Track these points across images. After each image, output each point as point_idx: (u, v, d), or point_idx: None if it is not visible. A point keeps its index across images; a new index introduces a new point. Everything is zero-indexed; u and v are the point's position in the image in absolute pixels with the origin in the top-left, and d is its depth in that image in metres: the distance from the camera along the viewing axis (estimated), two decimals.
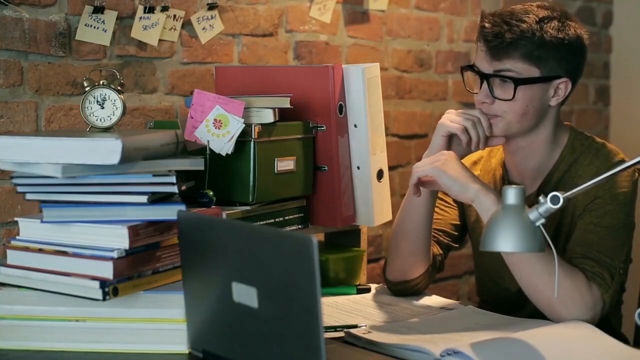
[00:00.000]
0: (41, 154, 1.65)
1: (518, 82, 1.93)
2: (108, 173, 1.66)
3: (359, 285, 2.14)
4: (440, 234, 2.14)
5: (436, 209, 2.13)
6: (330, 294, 2.06)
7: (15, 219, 1.76)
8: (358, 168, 2.12)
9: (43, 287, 1.67)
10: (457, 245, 2.21)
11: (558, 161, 2.04)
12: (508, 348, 1.60)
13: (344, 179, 2.11)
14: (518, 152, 2.05)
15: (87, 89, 1.84)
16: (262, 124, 1.98)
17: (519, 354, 1.58)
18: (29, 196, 1.69)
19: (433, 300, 2.03)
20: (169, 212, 1.66)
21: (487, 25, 1.96)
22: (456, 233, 2.18)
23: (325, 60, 2.67)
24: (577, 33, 1.99)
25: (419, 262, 2.05)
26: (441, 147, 1.99)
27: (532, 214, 1.63)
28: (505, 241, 1.63)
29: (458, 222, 2.19)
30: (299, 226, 2.10)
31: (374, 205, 2.13)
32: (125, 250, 1.63)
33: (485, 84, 1.96)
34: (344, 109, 2.10)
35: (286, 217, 2.07)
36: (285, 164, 2.03)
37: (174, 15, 2.31)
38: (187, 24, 2.35)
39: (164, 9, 2.28)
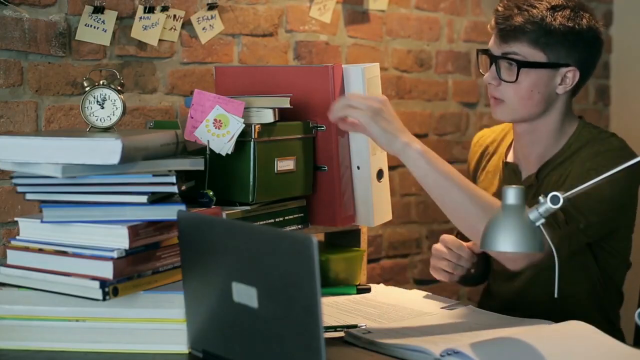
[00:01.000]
0: (41, 154, 1.65)
1: (521, 64, 1.98)
2: (108, 173, 1.66)
3: (359, 285, 2.14)
4: None
5: None
6: (330, 294, 2.05)
7: (15, 219, 1.76)
8: (358, 168, 2.12)
9: (43, 287, 1.67)
10: None
11: (563, 148, 2.07)
12: (508, 348, 1.60)
13: (344, 179, 2.11)
14: (524, 136, 2.09)
15: (87, 89, 1.84)
16: (262, 124, 1.98)
17: (519, 354, 1.58)
18: (29, 196, 1.69)
19: (433, 300, 2.03)
20: (169, 212, 1.66)
21: (500, 8, 2.03)
22: None
23: (325, 60, 2.67)
24: (590, 24, 2.02)
25: None
26: None
27: (532, 214, 1.63)
28: (505, 241, 1.63)
29: None
30: (299, 226, 2.10)
31: (374, 205, 2.13)
32: (125, 250, 1.63)
33: (493, 66, 2.02)
34: None
35: (286, 217, 2.07)
36: (285, 164, 2.03)
37: (174, 15, 2.31)
38: (187, 24, 2.35)
39: (164, 9, 2.28)
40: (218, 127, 1.92)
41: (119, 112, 1.83)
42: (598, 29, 2.04)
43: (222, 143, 1.92)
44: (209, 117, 1.92)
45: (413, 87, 2.95)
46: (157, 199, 1.68)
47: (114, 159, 1.64)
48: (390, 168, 2.34)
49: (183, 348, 1.61)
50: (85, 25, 2.16)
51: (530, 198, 1.84)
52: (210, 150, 1.92)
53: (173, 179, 1.68)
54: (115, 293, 1.61)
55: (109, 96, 1.84)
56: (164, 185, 1.68)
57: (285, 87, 2.12)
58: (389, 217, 2.21)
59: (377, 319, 1.86)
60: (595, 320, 1.93)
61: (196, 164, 1.82)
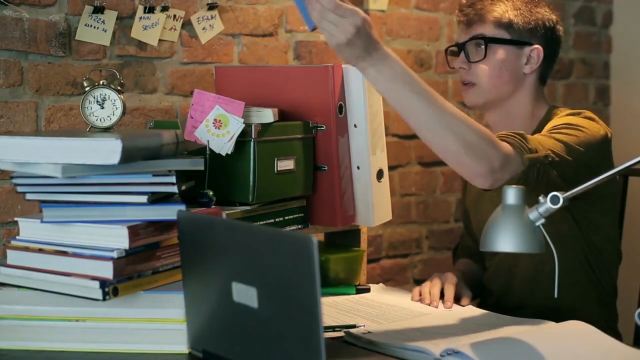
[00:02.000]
0: (41, 154, 1.65)
1: (488, 40, 2.11)
2: (108, 173, 1.66)
3: (359, 285, 2.14)
4: None
5: None
6: (330, 294, 2.05)
7: (15, 219, 1.76)
8: (358, 168, 2.12)
9: (43, 287, 1.67)
10: None
11: (536, 129, 2.12)
12: (508, 348, 1.60)
13: (344, 179, 2.11)
14: (498, 123, 2.18)
15: (87, 89, 1.84)
16: (262, 124, 1.98)
17: (519, 354, 1.58)
18: (29, 196, 1.69)
19: None
20: (169, 212, 1.66)
21: (463, 1, 2.19)
22: None
23: (325, 60, 2.67)
24: (547, 12, 2.18)
25: None
26: None
27: (532, 214, 1.63)
28: (505, 241, 1.63)
29: None
30: (299, 226, 2.10)
31: (374, 205, 2.13)
32: (125, 250, 1.63)
33: (462, 53, 2.15)
34: (343, 109, 2.10)
35: (286, 217, 2.07)
36: (285, 164, 2.03)
37: (174, 15, 2.31)
38: (187, 24, 2.35)
39: (164, 9, 2.28)
40: (218, 127, 1.92)
41: (119, 112, 1.83)
42: (553, 16, 2.19)
43: (222, 143, 1.92)
44: (209, 117, 1.92)
45: None
46: (157, 199, 1.68)
47: (114, 159, 1.64)
48: (390, 168, 2.34)
49: (183, 348, 1.61)
50: (85, 25, 2.16)
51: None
52: (210, 150, 1.92)
53: (173, 179, 1.68)
54: (115, 293, 1.61)
55: (109, 96, 1.84)
56: (164, 185, 1.68)
57: (285, 87, 2.12)
58: (388, 217, 2.21)
59: (377, 319, 1.86)
60: (592, 315, 1.94)
61: (196, 164, 1.82)
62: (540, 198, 1.64)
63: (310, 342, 1.33)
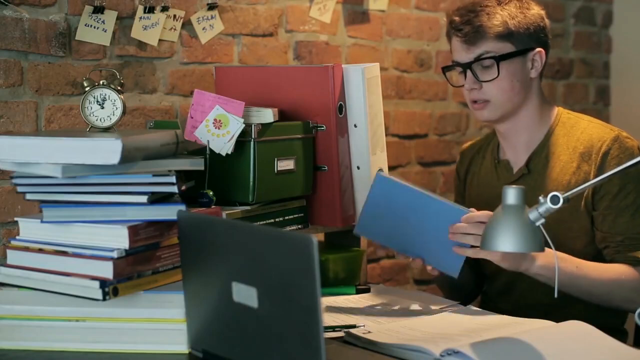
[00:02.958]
0: (41, 154, 1.65)
1: (499, 59, 2.06)
2: (108, 173, 1.66)
3: (359, 285, 2.14)
4: None
5: None
6: (329, 294, 2.05)
7: (15, 219, 1.76)
8: (358, 168, 2.12)
9: (43, 287, 1.67)
10: None
11: (547, 135, 2.14)
12: (508, 348, 1.60)
13: (344, 179, 2.11)
14: (509, 130, 2.16)
15: (87, 89, 1.84)
16: (262, 124, 1.98)
17: (519, 354, 1.58)
18: (29, 196, 1.69)
19: (433, 300, 2.03)
20: (169, 212, 1.66)
21: (456, 18, 2.11)
22: None
23: (325, 60, 2.67)
24: (537, 8, 2.14)
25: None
26: None
27: (532, 214, 1.63)
28: (505, 241, 1.63)
29: None
30: (299, 226, 2.10)
31: None
32: (125, 250, 1.63)
33: (469, 73, 2.09)
34: (344, 109, 2.10)
35: (286, 217, 2.07)
36: (285, 164, 2.03)
37: (174, 15, 2.31)
38: (187, 24, 2.35)
39: (164, 9, 2.28)
40: (218, 127, 1.92)
41: (119, 112, 1.83)
42: (541, 11, 2.15)
43: (222, 143, 1.92)
44: (209, 117, 1.92)
45: (413, 87, 2.95)
46: (157, 199, 1.68)
47: (114, 159, 1.64)
48: (390, 168, 2.34)
49: (183, 348, 1.61)
50: (85, 25, 2.16)
51: (526, 190, 1.84)
52: (210, 150, 1.92)
53: (173, 179, 1.68)
54: (115, 293, 1.61)
55: (109, 96, 1.84)
56: (164, 185, 1.68)
57: (285, 87, 2.12)
58: None
59: (377, 319, 1.86)
60: (601, 315, 1.95)
61: (196, 164, 1.82)
62: (541, 198, 1.64)
63: (310, 342, 1.33)
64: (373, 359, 1.63)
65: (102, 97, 1.84)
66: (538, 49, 2.11)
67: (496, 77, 2.06)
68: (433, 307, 1.96)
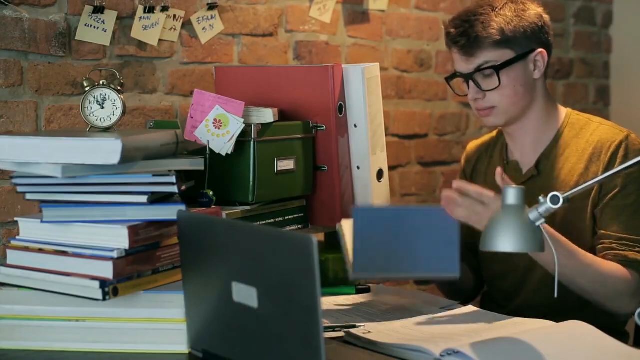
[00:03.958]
0: (41, 154, 1.65)
1: (498, 68, 2.05)
2: (108, 173, 1.66)
3: (359, 285, 2.14)
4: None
5: None
6: (330, 294, 2.05)
7: (15, 219, 1.76)
8: (358, 168, 2.12)
9: (43, 287, 1.67)
10: None
11: (557, 136, 2.13)
12: (508, 348, 1.60)
13: (344, 179, 2.11)
14: (516, 130, 2.15)
15: (87, 89, 1.84)
16: (262, 124, 1.98)
17: (519, 354, 1.58)
18: (29, 196, 1.69)
19: (433, 300, 2.03)
20: (169, 212, 1.66)
21: (452, 30, 2.09)
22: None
23: (325, 60, 2.67)
24: (533, 8, 2.11)
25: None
26: None
27: (532, 214, 1.63)
28: (505, 241, 1.63)
29: None
30: (299, 226, 2.10)
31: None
32: (125, 250, 1.63)
33: (471, 83, 2.08)
34: (344, 109, 2.10)
35: (286, 217, 2.07)
36: (285, 164, 2.03)
37: (174, 15, 2.31)
38: (187, 24, 2.35)
39: (164, 9, 2.28)
40: (218, 127, 1.92)
41: (119, 112, 1.83)
42: (540, 10, 2.12)
43: (222, 143, 1.92)
44: (209, 117, 1.92)
45: (413, 87, 2.95)
46: (157, 199, 1.68)
47: (114, 159, 1.64)
48: (390, 168, 2.34)
49: (183, 348, 1.61)
50: (85, 25, 2.16)
51: (535, 191, 1.84)
52: (210, 150, 1.92)
53: (173, 179, 1.68)
54: (115, 293, 1.61)
55: (109, 96, 1.84)
56: (164, 185, 1.68)
57: (285, 87, 2.12)
58: None
59: (377, 319, 1.86)
60: (603, 315, 1.95)
61: (196, 164, 1.82)
62: (541, 198, 1.64)
63: (310, 342, 1.33)
64: (373, 359, 1.63)
65: (102, 97, 1.84)
66: (539, 50, 2.09)
67: (498, 86, 2.05)
68: (433, 307, 1.96)
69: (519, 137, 2.16)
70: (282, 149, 2.03)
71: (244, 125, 1.91)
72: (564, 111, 2.18)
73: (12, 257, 1.71)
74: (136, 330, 1.63)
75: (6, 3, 2.05)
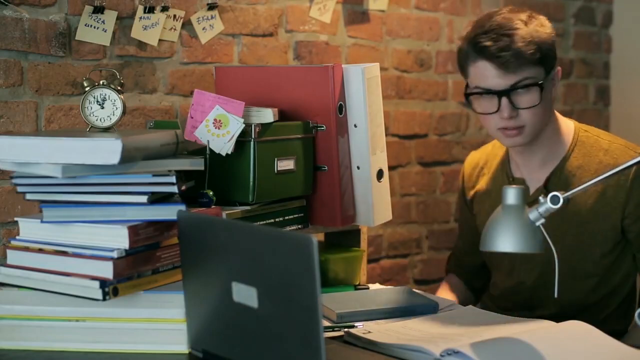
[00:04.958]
0: (41, 154, 1.65)
1: (542, 86, 1.97)
2: (108, 173, 1.66)
3: (358, 285, 2.14)
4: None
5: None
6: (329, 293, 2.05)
7: (15, 219, 1.76)
8: (358, 168, 2.12)
9: (43, 287, 1.67)
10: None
11: (567, 155, 2.08)
12: (508, 348, 1.60)
13: (344, 179, 2.11)
14: (527, 149, 2.09)
15: (87, 89, 1.84)
16: (262, 124, 1.98)
17: (519, 354, 1.58)
18: (29, 196, 1.69)
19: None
20: (169, 212, 1.66)
21: (487, 43, 1.96)
22: None
23: (325, 60, 2.67)
24: (547, 21, 2.04)
25: None
26: None
27: (532, 214, 1.63)
28: (505, 241, 1.63)
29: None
30: (299, 226, 2.10)
31: (374, 205, 2.13)
32: (125, 250, 1.63)
33: (504, 100, 1.97)
34: (344, 109, 2.10)
35: (286, 217, 2.07)
36: (285, 164, 2.03)
37: (174, 15, 2.31)
38: (187, 24, 2.35)
39: (164, 9, 2.28)
40: (218, 127, 1.92)
41: (119, 112, 1.83)
42: (546, 20, 2.05)
43: (222, 143, 1.92)
44: (209, 117, 1.92)
45: (413, 87, 2.95)
46: (157, 199, 1.68)
47: (114, 159, 1.64)
48: (390, 168, 2.34)
49: (183, 348, 1.61)
50: (85, 25, 2.16)
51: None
52: (210, 150, 1.92)
53: (173, 179, 1.68)
54: (115, 293, 1.61)
55: (109, 96, 1.84)
56: (164, 185, 1.68)
57: (285, 87, 2.12)
58: (389, 217, 2.21)
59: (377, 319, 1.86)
60: (611, 318, 1.94)
61: (196, 164, 1.82)
62: (541, 198, 1.64)
63: (310, 342, 1.33)
64: (373, 359, 1.63)
65: (102, 97, 1.84)
66: (558, 67, 2.05)
67: (538, 104, 1.97)
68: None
69: (529, 154, 2.10)
70: (282, 149, 2.03)
71: (244, 125, 1.91)
72: (571, 126, 2.12)
73: (12, 257, 1.71)
74: (136, 330, 1.63)
75: (6, 3, 2.05)
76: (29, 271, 1.68)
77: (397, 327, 1.78)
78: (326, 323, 1.80)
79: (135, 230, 1.64)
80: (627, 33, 3.56)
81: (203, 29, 2.38)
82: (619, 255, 2.06)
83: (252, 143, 1.95)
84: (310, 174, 2.10)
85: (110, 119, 1.84)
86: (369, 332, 1.73)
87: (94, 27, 2.17)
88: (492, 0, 3.15)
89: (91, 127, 1.84)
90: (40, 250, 1.68)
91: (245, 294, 1.43)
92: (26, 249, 1.70)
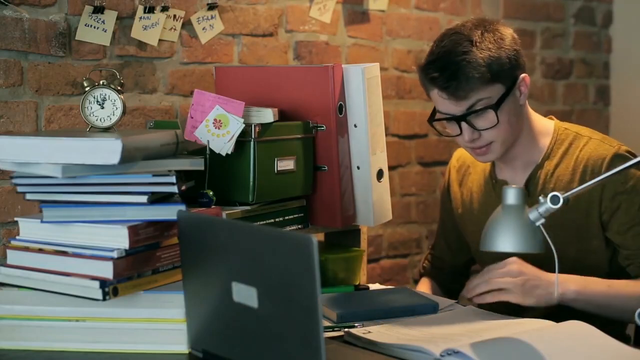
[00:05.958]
0: (41, 154, 1.65)
1: (496, 107, 1.96)
2: (108, 173, 1.66)
3: (358, 285, 2.14)
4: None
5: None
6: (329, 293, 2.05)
7: (15, 219, 1.76)
8: (358, 168, 2.12)
9: (43, 287, 1.67)
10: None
11: (547, 153, 2.08)
12: (508, 348, 1.60)
13: (344, 179, 2.11)
14: (507, 155, 2.08)
15: (87, 89, 1.84)
16: (262, 124, 1.98)
17: (519, 354, 1.58)
18: (29, 196, 1.69)
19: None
20: (169, 212, 1.66)
21: (434, 74, 1.96)
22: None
23: (325, 60, 2.67)
24: (506, 32, 2.01)
25: None
26: None
27: (532, 214, 1.63)
28: (505, 241, 1.63)
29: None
30: (299, 226, 2.10)
31: (374, 205, 2.13)
32: (125, 250, 1.63)
33: (464, 124, 1.99)
34: (344, 109, 2.10)
35: (286, 217, 2.07)
36: (285, 164, 2.03)
37: (174, 15, 2.31)
38: (187, 24, 2.35)
39: (164, 9, 2.28)
40: (218, 127, 1.92)
41: (119, 112, 1.83)
42: (510, 29, 2.03)
43: (222, 143, 1.92)
44: (209, 117, 1.92)
45: (413, 87, 2.95)
46: (157, 199, 1.68)
47: (114, 159, 1.64)
48: (390, 168, 2.34)
49: (183, 348, 1.61)
50: (85, 25, 2.16)
51: None
52: (210, 150, 1.92)
53: (173, 179, 1.68)
54: (115, 293, 1.61)
55: (109, 96, 1.84)
56: (164, 185, 1.68)
57: (285, 87, 2.12)
58: (388, 217, 2.21)
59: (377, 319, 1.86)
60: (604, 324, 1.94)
61: (196, 164, 1.82)
62: (541, 198, 1.64)
63: (310, 342, 1.33)
64: (373, 359, 1.63)
65: (102, 97, 1.84)
66: (522, 76, 2.01)
67: (496, 125, 1.97)
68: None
69: (510, 160, 2.10)
70: (282, 149, 2.03)
71: (244, 125, 1.91)
72: (550, 126, 2.11)
73: (12, 257, 1.71)
74: (136, 330, 1.63)
75: (6, 3, 2.05)
76: (29, 271, 1.68)
77: (397, 327, 1.77)
78: (326, 323, 1.80)
79: (135, 230, 1.64)
80: (627, 33, 3.57)
81: (203, 29, 2.38)
82: (604, 254, 2.07)
83: (252, 143, 1.95)
84: (310, 174, 2.10)
85: (110, 119, 1.84)
86: (369, 332, 1.73)
87: (94, 27, 2.17)
88: (492, 0, 3.15)
89: (91, 127, 1.84)
90: (40, 250, 1.68)
91: (245, 294, 1.43)
92: (26, 249, 1.70)
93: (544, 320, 1.78)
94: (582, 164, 2.03)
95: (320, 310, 1.31)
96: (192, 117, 1.94)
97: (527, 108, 2.08)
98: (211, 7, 2.38)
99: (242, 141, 1.94)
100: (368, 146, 2.10)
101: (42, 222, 1.67)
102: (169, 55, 2.34)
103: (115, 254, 1.61)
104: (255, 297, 1.41)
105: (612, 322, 2.03)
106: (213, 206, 1.84)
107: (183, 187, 1.72)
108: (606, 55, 3.59)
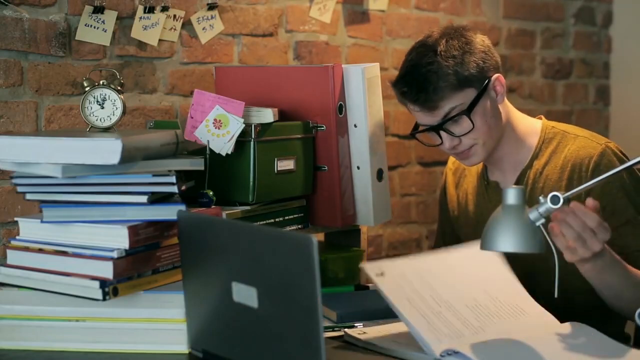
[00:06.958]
0: (41, 154, 1.65)
1: (469, 112, 1.98)
2: (108, 173, 1.67)
3: (358, 285, 2.14)
4: None
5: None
6: (329, 293, 2.05)
7: (15, 219, 1.76)
8: (358, 168, 2.12)
9: (43, 287, 1.67)
10: None
11: (535, 153, 2.08)
12: (508, 348, 1.60)
13: (344, 179, 2.11)
14: (494, 156, 2.09)
15: (87, 89, 1.84)
16: (262, 124, 1.98)
17: (519, 354, 1.58)
18: (29, 196, 1.69)
19: None
20: (169, 212, 1.66)
21: (405, 90, 2.00)
22: None
23: (325, 60, 2.67)
24: (473, 36, 2.03)
25: None
26: None
27: (532, 214, 1.63)
28: (505, 241, 1.63)
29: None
30: (299, 226, 2.10)
31: (374, 205, 2.13)
32: (125, 250, 1.63)
33: (442, 133, 2.00)
34: (344, 109, 2.10)
35: (286, 217, 2.07)
36: (285, 164, 2.03)
37: (174, 15, 2.31)
38: (187, 24, 2.35)
39: (164, 9, 2.28)
40: (218, 127, 1.92)
41: (119, 112, 1.84)
42: (478, 33, 2.05)
43: (222, 143, 1.92)
44: (209, 117, 1.92)
45: None
46: (157, 199, 1.68)
47: (114, 159, 1.64)
48: (390, 168, 2.34)
49: (183, 348, 1.61)
50: (85, 25, 2.16)
51: None
52: (210, 150, 1.92)
53: (173, 179, 1.68)
54: (115, 293, 1.61)
55: (109, 96, 1.84)
56: (164, 185, 1.68)
57: (285, 87, 2.12)
58: (388, 217, 2.21)
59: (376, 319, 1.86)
60: (601, 321, 1.93)
61: (196, 164, 1.82)
62: (541, 198, 1.64)
63: (310, 342, 1.33)
64: (373, 359, 1.63)
65: (102, 97, 1.84)
66: (495, 76, 2.02)
67: (472, 129, 1.98)
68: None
69: (498, 162, 2.10)
70: (282, 149, 2.03)
71: (244, 125, 1.91)
72: (538, 125, 2.11)
73: (12, 257, 1.71)
74: (136, 330, 1.63)
75: (6, 3, 2.05)
76: (29, 271, 1.68)
77: (396, 327, 1.77)
78: (326, 323, 1.80)
79: (135, 230, 1.64)
80: (627, 33, 3.57)
81: (203, 29, 2.38)
82: None
83: (252, 143, 1.95)
84: (310, 174, 2.10)
85: (110, 119, 1.84)
86: (369, 332, 1.73)
87: (94, 27, 2.17)
88: (492, 0, 3.15)
89: (91, 127, 1.84)
90: (40, 250, 1.68)
91: (245, 294, 1.43)
92: (26, 249, 1.70)
93: (543, 321, 1.77)
94: (570, 163, 2.03)
95: (320, 310, 1.31)
96: (192, 117, 1.94)
97: (509, 107, 2.09)
98: (211, 7, 2.38)
99: (242, 141, 1.94)
100: (368, 146, 2.10)
101: (42, 222, 1.67)
102: (169, 55, 2.34)
103: (115, 254, 1.62)
104: (255, 297, 1.41)
105: (611, 320, 2.03)
106: (213, 206, 1.84)
107: (183, 187, 1.72)
108: (606, 55, 3.59)
